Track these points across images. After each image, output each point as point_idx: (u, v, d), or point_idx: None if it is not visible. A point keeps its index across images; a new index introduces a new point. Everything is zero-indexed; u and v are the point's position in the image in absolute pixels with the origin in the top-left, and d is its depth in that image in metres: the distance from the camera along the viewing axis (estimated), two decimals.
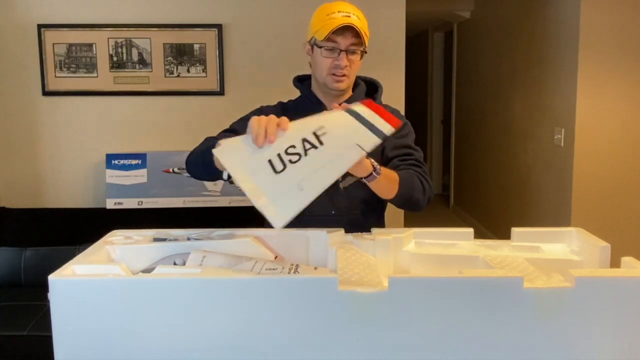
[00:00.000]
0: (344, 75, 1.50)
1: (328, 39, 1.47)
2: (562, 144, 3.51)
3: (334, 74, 1.50)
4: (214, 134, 1.59)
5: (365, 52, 1.53)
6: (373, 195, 1.44)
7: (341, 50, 1.47)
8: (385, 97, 1.64)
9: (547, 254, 1.21)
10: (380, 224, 1.62)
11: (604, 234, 1.24)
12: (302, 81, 1.65)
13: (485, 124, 4.98)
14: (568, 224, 2.77)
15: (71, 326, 0.96)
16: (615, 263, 1.10)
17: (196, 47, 3.24)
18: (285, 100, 1.66)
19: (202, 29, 3.22)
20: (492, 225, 4.84)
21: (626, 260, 1.05)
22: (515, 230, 1.26)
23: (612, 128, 3.39)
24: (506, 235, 1.27)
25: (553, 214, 3.71)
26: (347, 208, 1.51)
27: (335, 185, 1.44)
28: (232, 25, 3.25)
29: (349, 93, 1.62)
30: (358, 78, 1.66)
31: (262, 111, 1.59)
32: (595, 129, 3.38)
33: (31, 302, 2.58)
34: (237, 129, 1.52)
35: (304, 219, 1.49)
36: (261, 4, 3.26)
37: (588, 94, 3.34)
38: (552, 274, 1.02)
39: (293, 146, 1.09)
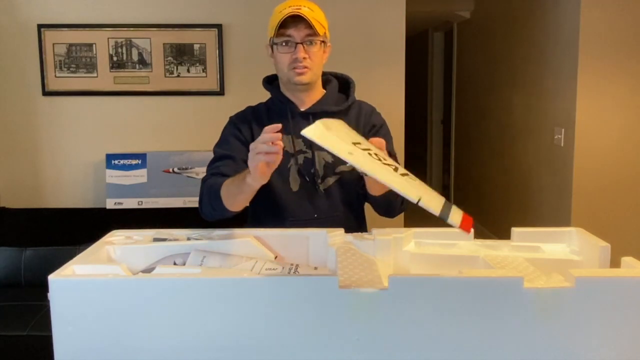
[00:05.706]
0: (305, 68, 1.47)
1: (281, 33, 1.46)
2: (562, 144, 3.51)
3: (295, 68, 1.47)
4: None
5: (324, 43, 1.50)
6: (351, 195, 1.53)
7: (297, 43, 1.46)
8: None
9: (547, 254, 1.21)
10: (360, 219, 1.62)
11: (604, 234, 1.24)
12: (272, 81, 1.61)
13: (485, 124, 4.98)
14: (568, 224, 2.77)
15: (71, 326, 0.96)
16: (615, 263, 1.10)
17: (196, 47, 3.24)
18: (254, 104, 1.62)
19: (202, 29, 3.22)
20: (492, 225, 4.84)
21: (626, 260, 1.05)
22: (515, 230, 1.26)
23: (612, 128, 3.39)
24: (506, 235, 1.27)
25: (553, 214, 3.71)
26: (328, 210, 1.53)
27: (315, 186, 1.50)
28: (232, 25, 3.25)
29: (321, 90, 1.59)
30: (329, 74, 1.62)
31: (233, 122, 1.57)
32: (595, 129, 3.37)
33: (31, 302, 2.58)
34: (228, 153, 1.50)
35: (288, 224, 1.49)
36: (261, 4, 3.25)
37: (588, 94, 3.34)
38: (552, 274, 1.02)
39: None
